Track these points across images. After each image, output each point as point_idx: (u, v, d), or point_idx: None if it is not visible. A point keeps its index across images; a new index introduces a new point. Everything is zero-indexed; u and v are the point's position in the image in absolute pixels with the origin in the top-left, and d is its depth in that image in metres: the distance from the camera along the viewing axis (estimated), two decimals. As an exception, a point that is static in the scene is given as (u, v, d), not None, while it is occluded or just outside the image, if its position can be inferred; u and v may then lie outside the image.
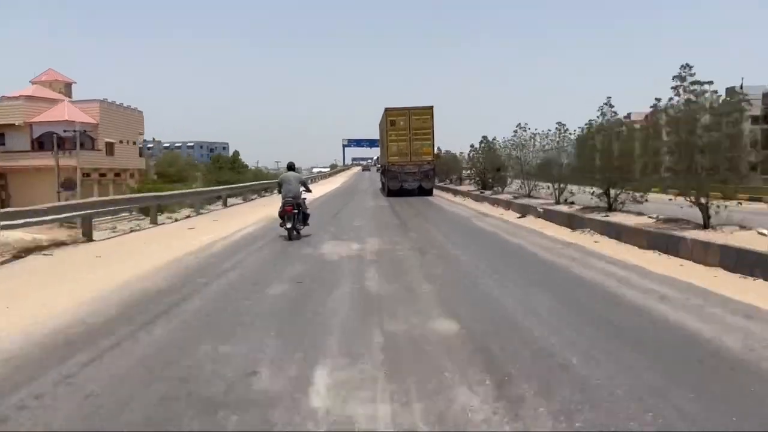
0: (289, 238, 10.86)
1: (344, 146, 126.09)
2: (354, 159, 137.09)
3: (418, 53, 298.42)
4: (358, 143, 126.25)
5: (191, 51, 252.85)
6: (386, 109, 26.25)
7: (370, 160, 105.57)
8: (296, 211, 11.00)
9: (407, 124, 25.81)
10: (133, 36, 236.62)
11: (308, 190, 12.22)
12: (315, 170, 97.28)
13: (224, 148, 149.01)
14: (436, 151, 28.60)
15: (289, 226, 10.90)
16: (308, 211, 11.65)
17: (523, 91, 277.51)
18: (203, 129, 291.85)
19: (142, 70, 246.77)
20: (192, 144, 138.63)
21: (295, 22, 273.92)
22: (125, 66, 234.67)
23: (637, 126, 13.58)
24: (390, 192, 26.09)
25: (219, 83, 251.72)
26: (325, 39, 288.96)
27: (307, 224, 11.59)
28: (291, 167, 12.32)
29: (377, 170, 56.82)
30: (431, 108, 26.34)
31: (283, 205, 11.02)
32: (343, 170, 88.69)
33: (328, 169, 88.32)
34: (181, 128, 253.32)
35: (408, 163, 25.76)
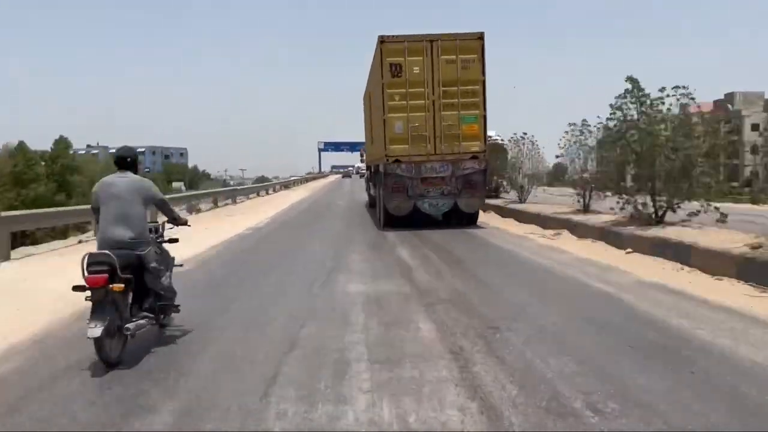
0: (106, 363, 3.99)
1: (320, 150, 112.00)
2: (334, 167, 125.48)
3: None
4: (337, 147, 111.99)
5: (155, 51, 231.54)
6: (382, 41, 13.01)
7: (351, 168, 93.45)
8: (122, 285, 4.11)
9: (429, 73, 12.79)
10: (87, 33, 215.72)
11: (178, 222, 5.08)
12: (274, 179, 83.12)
13: (182, 154, 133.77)
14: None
15: (98, 332, 3.83)
16: (174, 286, 4.89)
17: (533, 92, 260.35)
18: (167, 134, 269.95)
19: (105, 70, 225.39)
20: (143, 149, 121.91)
21: (265, 18, 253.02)
22: (84, 64, 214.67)
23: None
24: (389, 219, 13.55)
25: (182, 84, 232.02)
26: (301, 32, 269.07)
27: (166, 324, 4.87)
28: (122, 160, 4.65)
29: (362, 177, 46.59)
30: (480, 37, 12.63)
31: (88, 264, 4.04)
32: (317, 178, 73.33)
33: (291, 177, 72.41)
34: (146, 133, 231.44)
35: (431, 159, 13.03)
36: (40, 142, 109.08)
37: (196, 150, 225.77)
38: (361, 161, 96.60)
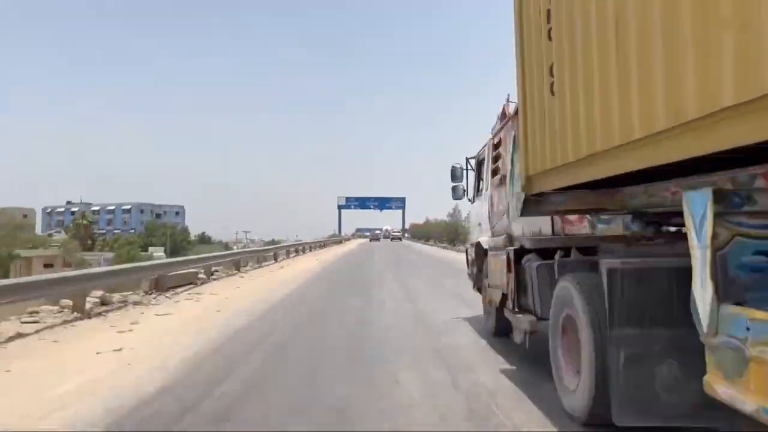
0: None
1: (340, 208, 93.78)
2: (359, 230, 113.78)
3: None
4: (362, 204, 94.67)
5: (158, 102, 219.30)
6: None
7: (379, 231, 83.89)
8: None
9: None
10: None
11: None
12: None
13: (177, 212, 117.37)
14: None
15: None
16: None
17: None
18: (166, 191, 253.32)
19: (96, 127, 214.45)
20: (129, 206, 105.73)
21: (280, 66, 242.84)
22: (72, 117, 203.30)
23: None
24: None
25: (182, 139, 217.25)
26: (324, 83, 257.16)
27: None
28: None
29: (392, 240, 55.47)
30: None
31: None
32: (335, 243, 54.16)
33: (297, 239, 53.95)
34: (142, 190, 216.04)
35: None
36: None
37: (199, 208, 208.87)
38: (388, 234, 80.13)
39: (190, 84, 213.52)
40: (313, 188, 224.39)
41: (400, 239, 75.18)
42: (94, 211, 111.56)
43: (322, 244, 45.61)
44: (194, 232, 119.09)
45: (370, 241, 69.66)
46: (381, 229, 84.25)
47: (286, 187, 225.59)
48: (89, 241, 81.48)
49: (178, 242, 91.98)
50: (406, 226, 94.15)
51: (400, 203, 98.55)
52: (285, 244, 38.67)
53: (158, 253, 72.71)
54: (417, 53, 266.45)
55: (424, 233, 63.05)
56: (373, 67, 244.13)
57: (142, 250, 78.28)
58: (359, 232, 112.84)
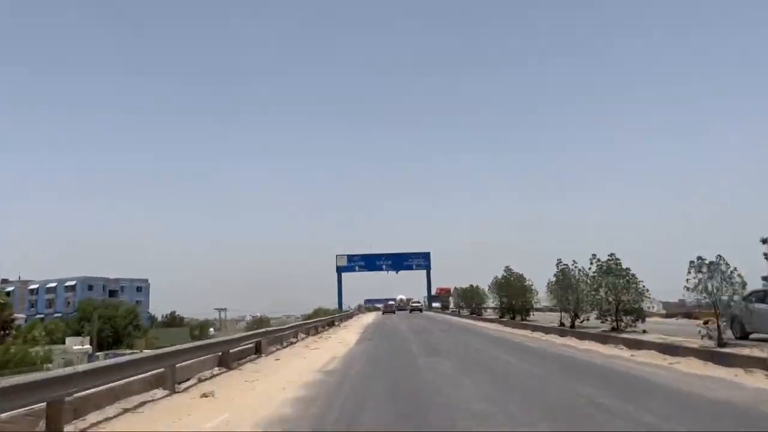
0: None
1: (340, 271, 72.09)
2: (368, 301, 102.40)
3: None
4: (369, 263, 73.33)
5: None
6: None
7: (393, 302, 69.97)
8: None
9: None
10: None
11: None
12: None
13: (140, 288, 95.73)
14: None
15: None
16: None
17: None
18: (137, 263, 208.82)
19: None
20: (74, 281, 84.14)
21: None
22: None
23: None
24: None
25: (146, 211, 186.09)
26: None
27: None
28: None
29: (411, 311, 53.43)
30: None
31: None
32: (330, 319, 31.54)
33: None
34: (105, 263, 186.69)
35: None
36: None
37: (174, 282, 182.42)
38: (407, 305, 68.50)
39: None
40: (309, 249, 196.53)
41: (420, 310, 64.55)
42: (32, 290, 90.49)
43: (299, 332, 24.38)
44: (165, 310, 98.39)
45: (383, 314, 59.76)
46: (395, 300, 72.58)
47: (278, 252, 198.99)
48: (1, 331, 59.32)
49: (121, 328, 69.39)
50: (433, 292, 72.29)
51: (422, 260, 77.74)
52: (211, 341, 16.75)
53: (78, 347, 50.74)
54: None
55: (468, 299, 41.28)
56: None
57: (59, 342, 56.06)
58: (368, 305, 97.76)
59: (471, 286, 40.61)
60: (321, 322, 29.71)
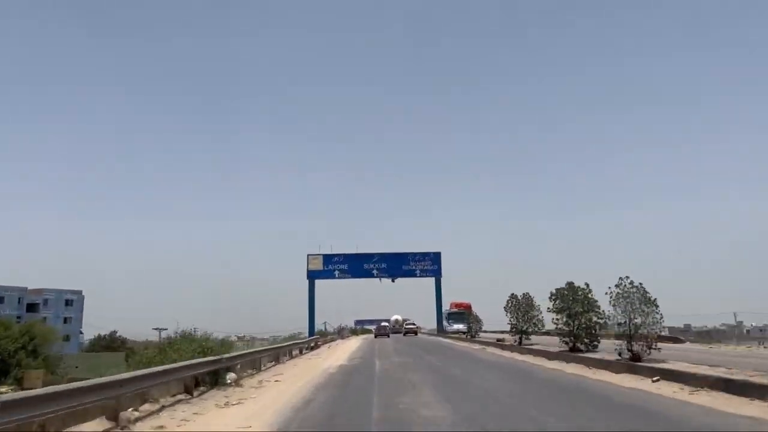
0: None
1: (311, 276, 53.04)
2: (359, 322, 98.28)
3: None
4: (355, 267, 55.21)
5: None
6: None
7: (386, 323, 62.33)
8: None
9: None
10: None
11: None
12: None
13: (69, 302, 76.68)
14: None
15: None
16: None
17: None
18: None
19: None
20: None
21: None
22: None
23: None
24: None
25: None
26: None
27: None
28: None
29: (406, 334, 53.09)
30: None
31: None
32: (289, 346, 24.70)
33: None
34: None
35: None
36: None
37: (124, 294, 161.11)
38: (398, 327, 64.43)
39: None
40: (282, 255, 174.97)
41: (415, 333, 59.12)
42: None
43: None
44: (105, 327, 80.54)
45: (376, 337, 52.98)
46: (390, 320, 68.92)
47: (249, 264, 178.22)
48: None
49: (9, 354, 48.05)
50: (446, 308, 53.20)
51: (430, 263, 57.95)
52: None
53: None
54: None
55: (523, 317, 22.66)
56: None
57: None
58: (359, 326, 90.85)
59: (525, 295, 21.91)
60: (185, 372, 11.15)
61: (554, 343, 20.29)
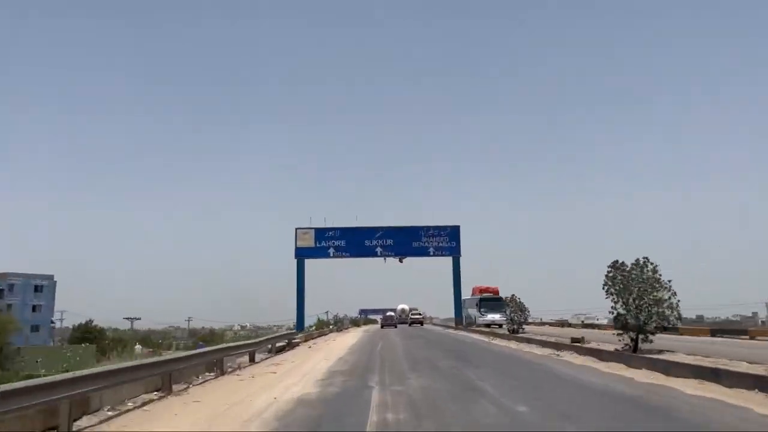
0: None
1: (300, 254, 44.06)
2: (363, 311, 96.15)
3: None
4: (353, 243, 45.50)
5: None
6: None
7: (392, 313, 58.67)
8: None
9: None
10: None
11: None
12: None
13: (39, 288, 68.54)
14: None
15: None
16: None
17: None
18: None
19: None
20: None
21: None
22: None
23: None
24: None
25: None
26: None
27: None
28: None
29: (411, 324, 53.85)
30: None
31: None
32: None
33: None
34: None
35: None
36: None
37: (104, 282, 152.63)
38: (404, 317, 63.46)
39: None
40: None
41: (421, 323, 59.96)
42: None
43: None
44: (81, 318, 73.56)
45: (382, 327, 50.87)
46: (396, 310, 67.25)
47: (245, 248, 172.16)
48: None
49: None
50: (466, 295, 43.81)
51: (447, 239, 46.85)
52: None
53: None
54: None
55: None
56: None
57: None
58: (363, 315, 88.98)
59: (640, 262, 12.37)
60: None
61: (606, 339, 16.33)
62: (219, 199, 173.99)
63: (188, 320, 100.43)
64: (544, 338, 20.64)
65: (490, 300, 37.14)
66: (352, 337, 32.39)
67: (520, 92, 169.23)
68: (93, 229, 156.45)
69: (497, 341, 23.26)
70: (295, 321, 48.00)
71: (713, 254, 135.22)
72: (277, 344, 20.15)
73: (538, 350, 17.70)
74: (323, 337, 32.98)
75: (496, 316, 33.86)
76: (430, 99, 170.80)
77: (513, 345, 20.64)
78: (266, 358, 17.69)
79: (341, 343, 25.42)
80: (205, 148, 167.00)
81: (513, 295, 25.19)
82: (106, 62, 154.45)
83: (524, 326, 25.18)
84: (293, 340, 23.66)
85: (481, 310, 36.59)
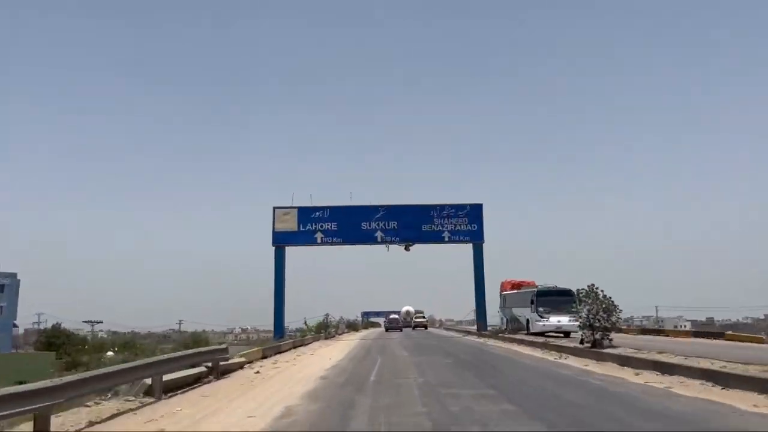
0: None
1: (278, 240, 34.75)
2: (366, 314, 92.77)
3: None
4: (348, 226, 34.34)
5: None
6: None
7: (396, 315, 59.24)
8: None
9: None
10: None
11: None
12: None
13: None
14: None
15: None
16: None
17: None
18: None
19: None
20: None
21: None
22: None
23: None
24: None
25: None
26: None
27: None
28: None
29: (415, 328, 53.81)
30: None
31: None
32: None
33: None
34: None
35: None
36: None
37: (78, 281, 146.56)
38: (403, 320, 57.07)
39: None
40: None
41: (425, 327, 58.38)
42: None
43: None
44: (50, 320, 67.88)
45: (387, 330, 50.94)
46: (400, 312, 65.52)
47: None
48: None
49: None
50: (491, 293, 35.38)
51: (467, 221, 35.70)
52: None
53: None
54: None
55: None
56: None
57: None
58: (366, 318, 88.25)
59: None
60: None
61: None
62: (219, 198, 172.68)
63: (179, 323, 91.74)
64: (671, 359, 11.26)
65: (552, 294, 25.28)
66: (340, 350, 22.83)
67: (520, 92, 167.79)
68: (93, 230, 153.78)
69: (580, 364, 13.39)
70: (303, 324, 43.97)
71: (717, 256, 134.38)
72: (175, 375, 10.54)
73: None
74: (296, 350, 23.40)
75: (563, 319, 23.56)
76: (430, 99, 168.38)
77: (636, 379, 10.54)
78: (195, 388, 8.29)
79: (318, 361, 16.04)
80: (205, 148, 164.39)
81: (592, 284, 15.44)
82: (106, 62, 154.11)
83: (610, 334, 15.49)
84: (229, 361, 13.98)
85: (539, 309, 24.88)
